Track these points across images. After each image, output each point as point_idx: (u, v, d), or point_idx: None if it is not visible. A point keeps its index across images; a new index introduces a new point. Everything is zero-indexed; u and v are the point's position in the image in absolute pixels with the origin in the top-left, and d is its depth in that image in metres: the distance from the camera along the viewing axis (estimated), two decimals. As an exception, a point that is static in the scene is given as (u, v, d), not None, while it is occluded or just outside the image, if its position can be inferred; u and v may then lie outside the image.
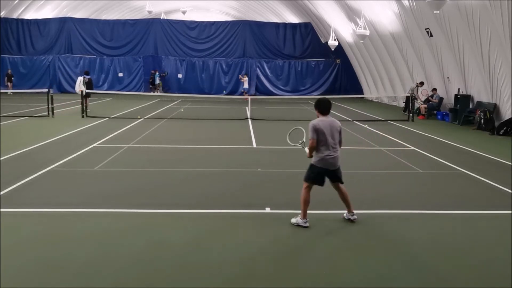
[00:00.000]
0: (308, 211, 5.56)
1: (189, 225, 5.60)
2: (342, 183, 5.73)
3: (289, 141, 6.29)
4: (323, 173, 5.59)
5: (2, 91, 25.72)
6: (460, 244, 5.15)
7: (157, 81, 31.69)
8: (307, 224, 5.56)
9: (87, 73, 20.56)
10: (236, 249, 4.88)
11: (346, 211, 5.84)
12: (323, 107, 5.63)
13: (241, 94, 30.54)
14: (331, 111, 5.66)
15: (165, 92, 31.40)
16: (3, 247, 4.72)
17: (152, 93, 29.92)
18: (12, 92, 27.50)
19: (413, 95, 18.78)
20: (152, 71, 32.13)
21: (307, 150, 5.63)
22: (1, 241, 4.86)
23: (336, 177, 5.68)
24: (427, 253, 4.82)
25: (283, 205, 6.39)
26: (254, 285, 4.08)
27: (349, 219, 5.77)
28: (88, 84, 19.29)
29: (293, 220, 5.65)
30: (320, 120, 5.57)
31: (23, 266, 4.37)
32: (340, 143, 5.68)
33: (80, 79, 19.69)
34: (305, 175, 5.69)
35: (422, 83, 20.30)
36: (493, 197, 7.14)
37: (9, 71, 30.27)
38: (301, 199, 5.62)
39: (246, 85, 30.90)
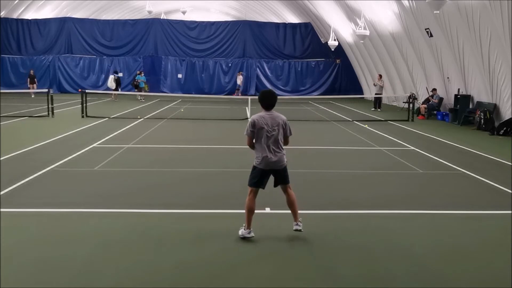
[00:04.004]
0: (309, 211, 5.52)
1: (189, 225, 5.59)
2: (287, 183, 5.15)
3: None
4: (265, 174, 5.04)
5: (20, 91, 25.84)
6: (460, 244, 5.15)
7: (142, 84, 26.54)
8: (252, 234, 5.01)
9: (116, 72, 26.16)
10: (236, 249, 4.88)
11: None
12: (265, 102, 5.03)
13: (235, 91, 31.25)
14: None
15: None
16: (3, 247, 4.72)
17: (137, 94, 26.00)
18: (34, 94, 26.21)
19: (375, 84, 23.14)
20: (138, 72, 27.93)
21: None
22: (1, 241, 4.86)
23: (280, 178, 5.12)
24: (427, 253, 4.82)
25: (283, 205, 6.31)
26: (254, 285, 4.08)
27: (295, 230, 5.12)
28: (117, 81, 25.15)
29: (240, 232, 5.07)
30: (259, 116, 5.02)
31: (23, 266, 4.36)
32: (285, 139, 5.11)
33: (111, 77, 24.85)
34: (249, 178, 5.13)
35: (380, 75, 23.39)
36: (493, 197, 7.15)
37: (32, 71, 27.92)
38: (245, 207, 5.04)
39: (239, 82, 31.67)
